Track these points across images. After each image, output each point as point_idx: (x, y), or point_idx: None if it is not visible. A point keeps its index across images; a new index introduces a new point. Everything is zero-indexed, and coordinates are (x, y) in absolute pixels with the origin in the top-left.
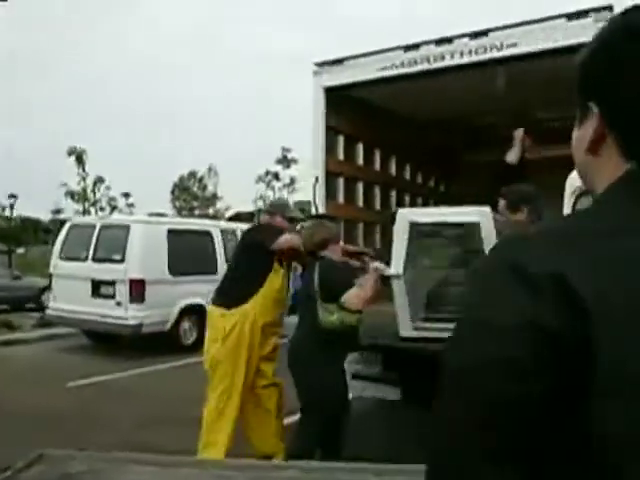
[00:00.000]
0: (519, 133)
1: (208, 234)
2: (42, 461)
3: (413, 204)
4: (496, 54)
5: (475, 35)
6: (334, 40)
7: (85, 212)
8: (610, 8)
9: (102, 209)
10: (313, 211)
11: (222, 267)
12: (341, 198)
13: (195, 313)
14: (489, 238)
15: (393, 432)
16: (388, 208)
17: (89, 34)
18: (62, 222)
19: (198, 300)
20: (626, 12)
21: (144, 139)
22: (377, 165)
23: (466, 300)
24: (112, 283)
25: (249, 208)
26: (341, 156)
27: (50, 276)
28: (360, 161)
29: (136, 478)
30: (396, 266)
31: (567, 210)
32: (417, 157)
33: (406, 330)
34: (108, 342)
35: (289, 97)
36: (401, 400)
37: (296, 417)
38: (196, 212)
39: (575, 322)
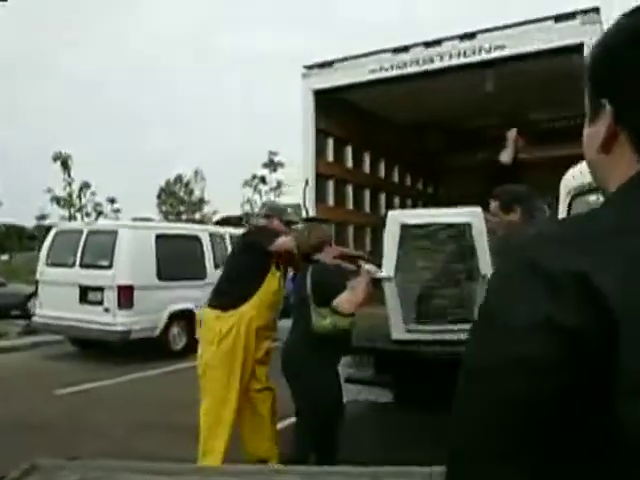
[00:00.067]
0: (512, 133)
1: (196, 239)
2: (34, 471)
3: (403, 206)
4: (485, 56)
5: (463, 37)
6: (334, 40)
7: (71, 218)
8: (597, 10)
9: (88, 215)
10: (304, 214)
11: (211, 272)
12: (331, 201)
13: (184, 318)
14: (480, 238)
15: (386, 434)
16: (378, 210)
17: (89, 34)
18: (47, 228)
19: (187, 305)
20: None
21: (129, 142)
22: (367, 167)
23: (483, 300)
24: (100, 289)
25: (237, 212)
26: (331, 158)
27: (36, 283)
28: (350, 163)
29: None
30: (387, 268)
31: (562, 211)
32: (406, 159)
33: (398, 333)
34: (95, 349)
35: (277, 100)
36: (394, 402)
37: (290, 421)
38: (183, 217)
39: (598, 320)
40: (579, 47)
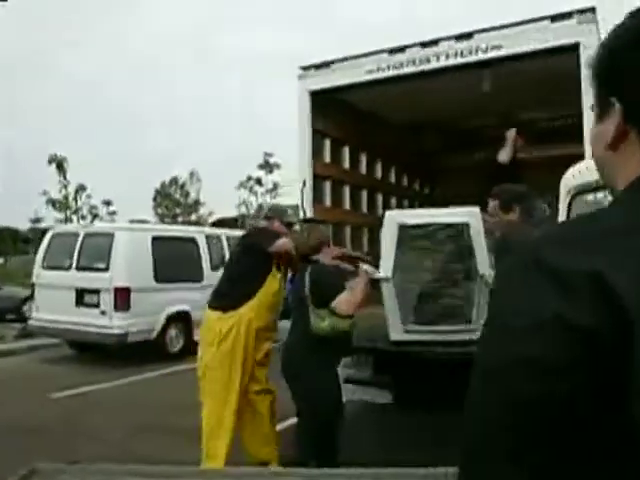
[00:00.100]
0: (511, 133)
1: (193, 240)
2: (34, 476)
3: (399, 206)
4: (481, 56)
5: (460, 37)
6: (334, 40)
7: (67, 220)
8: (593, 10)
9: (83, 217)
10: (301, 215)
11: (208, 273)
12: (328, 201)
13: (181, 320)
14: (478, 238)
15: (385, 435)
16: (375, 211)
17: (89, 34)
18: (43, 231)
19: (184, 307)
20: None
21: (129, 142)
22: (363, 168)
23: (491, 300)
24: (96, 292)
25: (232, 214)
26: (328, 159)
27: (32, 286)
28: (347, 164)
29: None
30: (385, 269)
31: (562, 210)
32: (403, 159)
33: (397, 333)
34: (92, 352)
35: (276, 100)
36: (392, 403)
37: (290, 422)
38: (179, 219)
39: (612, 320)
40: (575, 47)
